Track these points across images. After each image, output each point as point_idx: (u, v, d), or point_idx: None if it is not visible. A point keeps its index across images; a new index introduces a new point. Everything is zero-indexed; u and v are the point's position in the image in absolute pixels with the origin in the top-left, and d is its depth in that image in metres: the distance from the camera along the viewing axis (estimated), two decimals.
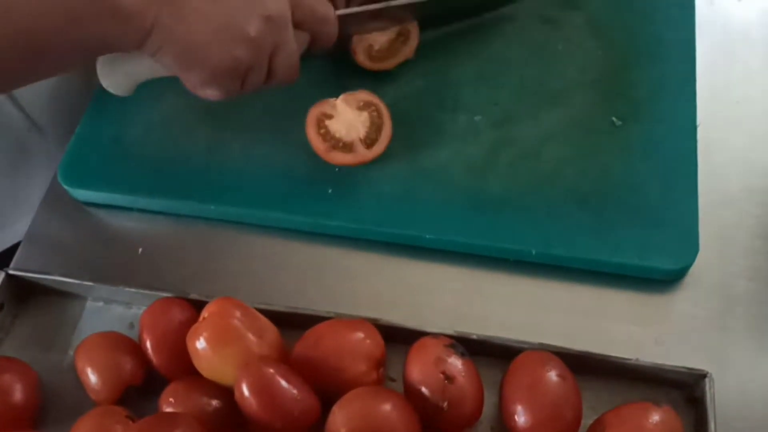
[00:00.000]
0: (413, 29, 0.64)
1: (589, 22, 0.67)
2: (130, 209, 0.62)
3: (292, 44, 0.54)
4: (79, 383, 0.53)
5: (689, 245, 0.56)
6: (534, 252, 0.56)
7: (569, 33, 0.67)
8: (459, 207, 0.58)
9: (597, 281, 0.56)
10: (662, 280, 0.56)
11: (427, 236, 0.57)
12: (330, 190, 0.60)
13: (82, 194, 0.62)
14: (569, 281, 0.57)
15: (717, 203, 0.59)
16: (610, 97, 0.63)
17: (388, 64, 0.64)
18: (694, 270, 0.56)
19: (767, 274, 0.56)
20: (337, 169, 0.60)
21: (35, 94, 0.66)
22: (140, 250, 0.60)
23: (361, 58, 0.63)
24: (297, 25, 0.55)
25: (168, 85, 0.65)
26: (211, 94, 0.53)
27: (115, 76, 0.55)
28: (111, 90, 0.55)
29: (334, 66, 0.66)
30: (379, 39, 0.63)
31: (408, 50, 0.64)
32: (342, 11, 0.59)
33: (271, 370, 0.48)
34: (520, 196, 0.58)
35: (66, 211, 0.62)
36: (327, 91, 0.61)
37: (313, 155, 0.60)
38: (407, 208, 0.58)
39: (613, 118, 0.62)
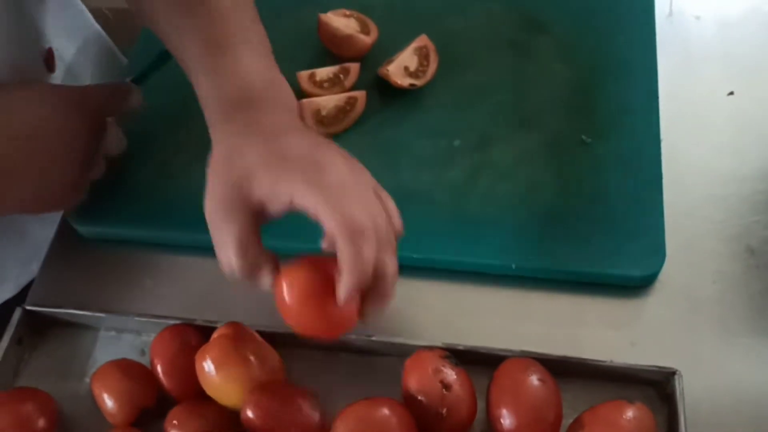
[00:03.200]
0: (360, 96, 0.68)
1: (556, 46, 0.72)
2: (136, 243, 0.65)
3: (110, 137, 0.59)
4: (96, 408, 0.56)
5: (657, 252, 0.60)
6: (514, 266, 0.60)
7: (538, 57, 0.71)
8: (443, 227, 0.62)
9: (573, 290, 0.60)
10: (633, 286, 0.60)
11: (414, 255, 0.61)
12: None
13: (90, 231, 0.66)
14: (547, 291, 0.60)
15: (682, 212, 0.63)
16: (579, 116, 0.67)
17: (335, 129, 0.68)
18: (662, 276, 0.60)
19: (731, 276, 0.60)
20: None
21: None
22: (147, 280, 0.64)
23: (309, 122, 0.67)
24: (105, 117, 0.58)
25: (167, 126, 0.70)
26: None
27: None
28: None
29: None
30: (327, 105, 0.67)
31: (354, 116, 0.68)
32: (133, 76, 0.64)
33: (277, 394, 0.52)
34: (500, 214, 0.62)
35: (76, 247, 0.66)
36: None
37: None
38: None
39: (583, 137, 0.66)
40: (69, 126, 0.55)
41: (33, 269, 0.68)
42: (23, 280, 0.71)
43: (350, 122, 0.68)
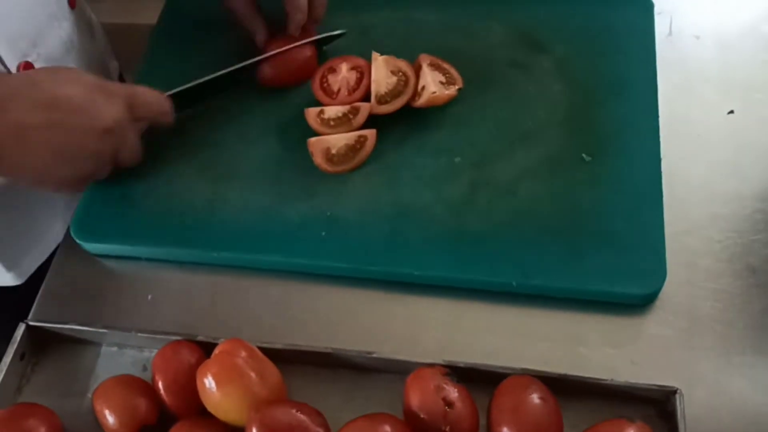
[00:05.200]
0: (370, 135, 0.67)
1: (557, 65, 0.72)
2: (138, 259, 0.66)
3: (131, 140, 0.59)
4: (98, 425, 0.56)
5: (657, 271, 0.60)
6: (514, 283, 0.60)
7: (539, 76, 0.72)
8: (443, 244, 0.63)
9: (573, 308, 0.60)
10: (634, 304, 0.60)
11: (415, 272, 0.62)
12: (323, 233, 0.64)
13: (93, 247, 0.66)
14: (548, 309, 0.61)
15: (682, 231, 0.63)
16: (579, 134, 0.68)
17: (344, 167, 0.67)
18: (663, 294, 0.60)
19: (731, 295, 0.60)
20: (329, 213, 0.65)
21: None
22: (150, 296, 0.64)
23: (319, 160, 0.67)
24: (135, 119, 0.59)
25: (170, 143, 0.71)
26: (60, 193, 0.59)
27: None
28: None
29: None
30: (337, 144, 0.67)
31: (364, 154, 0.67)
32: (175, 90, 0.65)
33: (281, 411, 0.52)
34: (499, 231, 0.63)
35: (79, 263, 0.66)
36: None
37: (306, 201, 0.65)
38: (395, 247, 0.63)
39: (583, 155, 0.67)
40: (93, 108, 0.56)
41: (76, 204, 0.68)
42: (68, 217, 0.70)
43: (360, 161, 0.67)
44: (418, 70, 0.70)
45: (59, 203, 0.75)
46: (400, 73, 0.69)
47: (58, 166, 0.55)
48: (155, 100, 0.62)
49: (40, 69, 0.59)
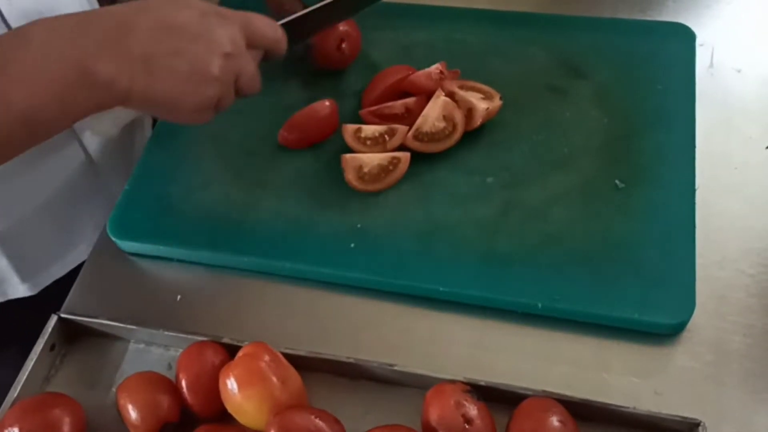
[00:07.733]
0: (404, 158, 0.68)
1: (595, 92, 0.73)
2: (170, 260, 0.67)
3: (251, 66, 0.59)
4: (121, 419, 0.57)
5: (686, 302, 0.59)
6: (540, 305, 0.60)
7: (577, 102, 0.72)
8: (471, 262, 0.63)
9: (599, 334, 0.60)
10: (661, 334, 0.59)
11: (441, 289, 0.62)
12: (352, 245, 0.65)
13: (128, 246, 0.68)
14: (573, 333, 0.60)
15: (714, 263, 0.62)
16: (613, 162, 0.68)
17: (375, 187, 0.68)
18: (691, 325, 0.59)
19: (761, 331, 0.59)
20: (359, 225, 0.66)
21: (100, 141, 0.73)
22: (179, 297, 0.65)
23: (350, 177, 0.67)
24: (250, 47, 0.59)
25: (206, 150, 0.72)
26: (192, 122, 0.58)
27: (102, 125, 0.58)
28: (100, 135, 0.58)
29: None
30: (370, 162, 0.67)
31: (396, 176, 0.68)
32: (286, 19, 0.64)
33: (301, 417, 0.53)
34: (528, 253, 0.63)
35: (113, 261, 0.68)
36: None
37: (338, 212, 0.66)
38: (423, 262, 0.63)
39: (617, 182, 0.66)
40: (210, 34, 0.56)
41: (104, 227, 0.69)
42: (94, 239, 0.71)
43: (391, 182, 0.68)
44: (451, 97, 0.70)
45: (88, 225, 0.75)
46: (451, 123, 0.69)
47: (186, 94, 0.55)
48: (269, 28, 0.61)
49: None
